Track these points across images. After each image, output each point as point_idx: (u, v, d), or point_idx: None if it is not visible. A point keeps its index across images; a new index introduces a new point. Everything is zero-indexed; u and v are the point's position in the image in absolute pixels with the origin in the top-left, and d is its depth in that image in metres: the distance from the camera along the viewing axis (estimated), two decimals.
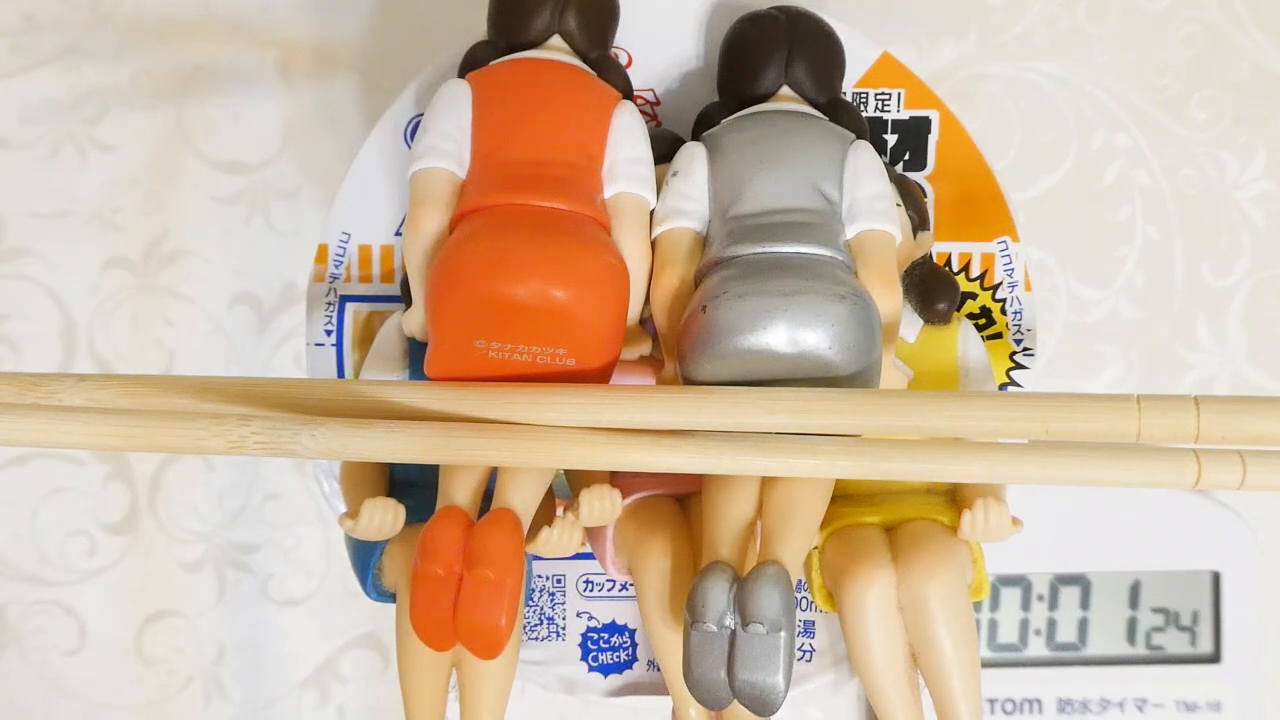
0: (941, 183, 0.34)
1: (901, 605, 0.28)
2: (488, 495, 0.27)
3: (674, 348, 0.28)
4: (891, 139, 0.34)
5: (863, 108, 0.33)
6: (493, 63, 0.30)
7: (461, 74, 0.30)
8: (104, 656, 0.40)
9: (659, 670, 0.31)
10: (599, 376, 0.28)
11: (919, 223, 0.32)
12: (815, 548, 0.31)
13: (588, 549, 0.32)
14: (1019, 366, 0.33)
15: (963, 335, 0.32)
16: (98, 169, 0.40)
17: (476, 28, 0.31)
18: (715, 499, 0.28)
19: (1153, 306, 0.40)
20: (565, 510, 0.29)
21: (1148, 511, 0.40)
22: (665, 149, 0.31)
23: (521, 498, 0.27)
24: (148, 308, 0.40)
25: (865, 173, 0.29)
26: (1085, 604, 0.40)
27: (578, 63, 0.30)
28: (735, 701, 0.26)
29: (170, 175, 0.40)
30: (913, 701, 0.28)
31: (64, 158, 0.40)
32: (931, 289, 0.32)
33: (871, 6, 0.40)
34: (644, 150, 0.29)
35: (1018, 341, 0.33)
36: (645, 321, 0.30)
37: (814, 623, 0.33)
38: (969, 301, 0.33)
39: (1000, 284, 0.33)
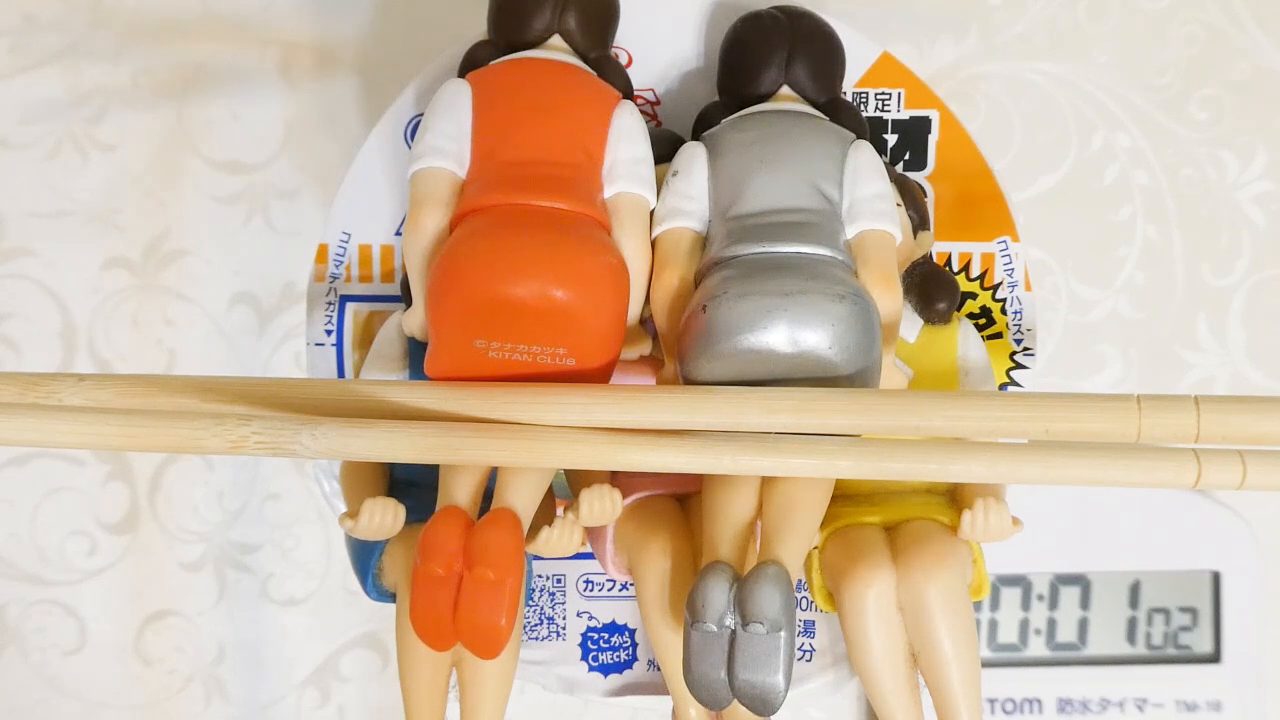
0: (941, 183, 0.34)
1: (901, 605, 0.28)
2: (488, 495, 0.27)
3: (674, 348, 0.28)
4: (891, 139, 0.34)
5: (863, 108, 0.33)
6: (493, 62, 0.30)
7: (461, 74, 0.30)
8: (104, 656, 0.40)
9: (659, 670, 0.31)
10: (599, 376, 0.28)
11: (919, 223, 0.32)
12: (815, 548, 0.31)
13: (588, 549, 0.32)
14: (1019, 366, 0.33)
15: (963, 335, 0.32)
16: (98, 169, 0.40)
17: (476, 28, 0.31)
18: (715, 499, 0.28)
19: (1153, 306, 0.40)
20: (565, 510, 0.29)
21: (1148, 511, 0.40)
22: (665, 149, 0.31)
23: (521, 498, 0.27)
24: (148, 308, 0.40)
25: (865, 172, 0.29)
26: (1085, 604, 0.40)
27: (578, 62, 0.30)
28: (735, 701, 0.26)
29: (170, 175, 0.40)
30: (913, 701, 0.28)
31: (64, 158, 0.40)
32: (931, 289, 0.32)
33: (871, 6, 0.40)
34: (644, 150, 0.29)
35: (1018, 341, 0.33)
36: (645, 321, 0.30)
37: (814, 623, 0.33)
38: (969, 301, 0.33)
39: (1000, 284, 0.33)
